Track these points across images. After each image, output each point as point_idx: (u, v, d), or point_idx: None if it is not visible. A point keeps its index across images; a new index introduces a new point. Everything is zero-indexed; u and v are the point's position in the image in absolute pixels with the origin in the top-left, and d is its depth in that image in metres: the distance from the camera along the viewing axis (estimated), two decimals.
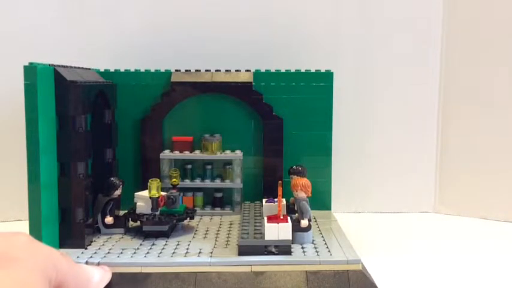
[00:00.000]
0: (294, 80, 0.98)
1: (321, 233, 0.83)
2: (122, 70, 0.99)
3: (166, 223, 0.81)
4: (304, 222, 0.77)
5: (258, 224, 0.79)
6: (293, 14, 1.11)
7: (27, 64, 0.71)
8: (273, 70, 0.99)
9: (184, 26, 1.10)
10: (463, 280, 0.77)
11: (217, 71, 0.99)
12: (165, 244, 0.77)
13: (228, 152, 0.98)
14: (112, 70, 0.98)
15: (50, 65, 0.75)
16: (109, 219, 0.83)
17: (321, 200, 0.98)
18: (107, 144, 0.90)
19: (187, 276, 0.68)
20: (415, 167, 1.15)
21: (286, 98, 0.98)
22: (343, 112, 1.08)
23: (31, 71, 0.70)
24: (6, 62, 1.04)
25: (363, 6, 1.12)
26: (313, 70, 0.99)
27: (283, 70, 0.99)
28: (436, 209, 1.17)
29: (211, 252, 0.73)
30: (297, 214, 0.80)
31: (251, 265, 0.69)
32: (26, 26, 1.07)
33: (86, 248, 0.75)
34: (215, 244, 0.78)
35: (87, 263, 0.70)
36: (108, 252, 0.74)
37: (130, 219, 0.84)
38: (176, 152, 0.97)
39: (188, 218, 0.85)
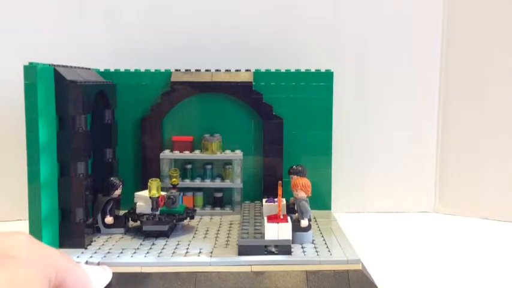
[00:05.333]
0: (294, 79, 0.98)
1: (321, 233, 0.83)
2: (122, 70, 0.99)
3: (167, 223, 0.81)
4: (304, 222, 0.77)
5: (258, 224, 0.79)
6: (293, 14, 1.11)
7: (27, 64, 0.71)
8: (273, 70, 0.99)
9: (184, 26, 1.10)
10: (463, 280, 0.77)
11: (217, 71, 0.99)
12: (165, 244, 0.77)
13: (228, 152, 0.98)
14: (112, 70, 0.98)
15: (50, 65, 0.75)
16: (109, 219, 0.83)
17: (321, 200, 0.98)
18: (107, 144, 0.90)
19: (187, 276, 0.68)
20: (415, 167, 1.15)
21: (286, 98, 0.98)
22: (343, 112, 1.08)
23: (31, 71, 0.70)
24: (6, 62, 1.04)
25: (363, 6, 1.12)
26: (313, 70, 0.99)
27: (283, 70, 0.99)
28: (436, 209, 1.17)
29: (211, 252, 0.73)
30: (296, 214, 0.80)
31: (251, 265, 0.69)
32: (26, 26, 1.07)
33: (86, 248, 0.75)
34: (215, 244, 0.78)
35: (87, 262, 0.70)
36: (108, 252, 0.74)
37: (130, 219, 0.84)
38: (176, 152, 0.97)
39: (188, 218, 0.85)
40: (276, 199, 0.81)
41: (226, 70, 0.99)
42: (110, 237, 0.81)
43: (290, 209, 0.85)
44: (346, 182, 1.12)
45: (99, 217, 0.83)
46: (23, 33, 1.07)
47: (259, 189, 0.99)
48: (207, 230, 0.85)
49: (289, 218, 0.75)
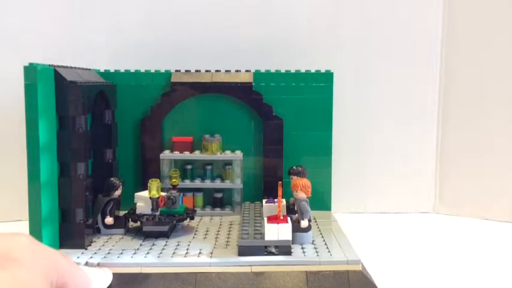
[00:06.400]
0: (294, 80, 0.98)
1: (321, 234, 0.83)
2: (122, 70, 0.99)
3: (167, 223, 0.81)
4: (304, 223, 0.77)
5: (258, 225, 0.79)
6: (293, 14, 1.11)
7: (27, 64, 0.71)
8: (273, 70, 0.99)
9: (184, 26, 1.10)
10: (462, 280, 0.77)
11: (217, 71, 0.99)
12: (165, 244, 0.77)
13: (228, 152, 0.98)
14: (112, 70, 0.98)
15: (50, 65, 0.75)
16: (109, 220, 0.83)
17: (321, 200, 0.98)
18: (107, 144, 0.90)
19: (187, 277, 0.68)
20: (415, 167, 1.15)
21: (286, 98, 0.98)
22: (343, 112, 1.08)
23: (31, 71, 0.70)
24: (6, 62, 1.04)
25: (363, 6, 1.12)
26: (313, 70, 0.99)
27: (283, 70, 0.99)
28: (436, 209, 1.17)
29: (211, 253, 0.73)
30: (296, 214, 0.80)
31: (251, 265, 0.69)
32: (26, 26, 1.07)
33: (86, 249, 0.75)
34: (215, 244, 0.78)
35: (87, 263, 0.70)
36: (108, 253, 0.74)
37: (130, 219, 0.84)
38: (176, 152, 0.97)
39: (188, 219, 0.85)
40: (276, 200, 0.81)
41: (226, 71, 0.99)
42: (110, 238, 0.81)
43: (290, 210, 0.85)
44: (346, 182, 1.12)
45: (99, 218, 0.83)
46: (23, 33, 1.07)
47: (259, 189, 0.99)
48: (207, 231, 0.85)
49: (289, 218, 0.75)
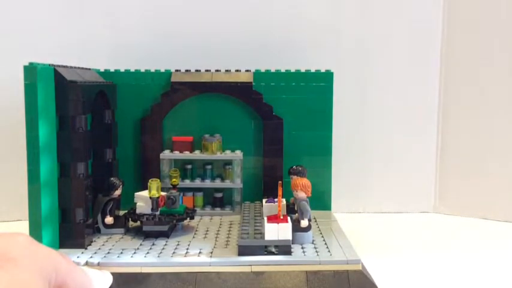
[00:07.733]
0: (294, 80, 0.98)
1: (321, 233, 0.83)
2: (122, 70, 0.99)
3: (167, 223, 0.81)
4: (304, 223, 0.77)
5: (258, 224, 0.79)
6: (293, 14, 1.11)
7: (27, 64, 0.71)
8: (273, 70, 0.99)
9: (184, 26, 1.10)
10: (463, 280, 0.77)
11: (217, 71, 0.99)
12: (165, 244, 0.77)
13: (228, 152, 0.98)
14: (112, 70, 0.98)
15: (50, 65, 0.75)
16: (109, 219, 0.83)
17: (321, 200, 0.98)
18: (107, 144, 0.90)
19: (187, 276, 0.68)
20: (415, 167, 1.16)
21: (286, 98, 0.98)
22: (343, 112, 1.08)
23: (31, 71, 0.70)
24: (6, 62, 1.04)
25: (363, 6, 1.12)
26: (313, 70, 0.99)
27: (283, 70, 0.99)
28: (436, 209, 1.17)
29: (211, 252, 0.73)
30: (296, 214, 0.80)
31: (251, 265, 0.69)
32: (26, 26, 1.07)
33: (86, 248, 0.75)
34: (215, 244, 0.78)
35: (87, 263, 0.70)
36: (108, 253, 0.74)
37: (130, 219, 0.84)
38: (176, 152, 0.97)
39: (188, 218, 0.85)
40: (276, 199, 0.81)
41: (226, 70, 0.99)
42: (110, 238, 0.81)
43: (290, 209, 0.85)
44: (346, 182, 1.12)
45: (99, 217, 0.83)
46: (23, 33, 1.07)
47: (259, 189, 0.99)
48: (207, 230, 0.85)
49: (289, 218, 0.75)
